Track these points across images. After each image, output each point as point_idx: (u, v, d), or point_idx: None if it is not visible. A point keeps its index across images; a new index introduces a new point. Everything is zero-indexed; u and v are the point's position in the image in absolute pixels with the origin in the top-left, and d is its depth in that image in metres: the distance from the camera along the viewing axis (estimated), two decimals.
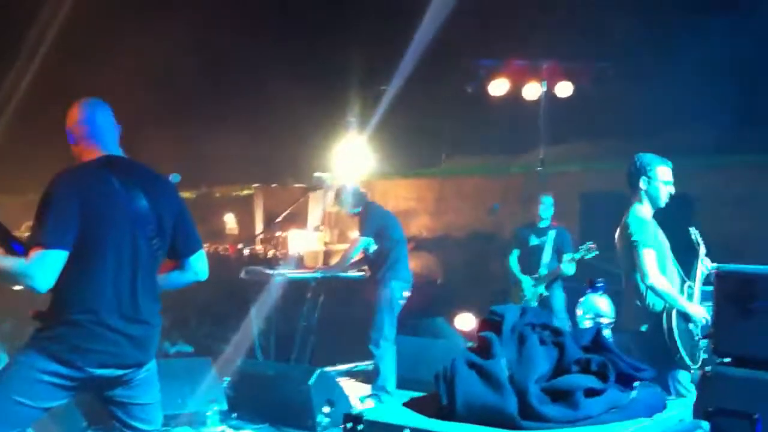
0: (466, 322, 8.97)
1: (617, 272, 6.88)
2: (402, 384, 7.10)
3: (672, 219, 5.27)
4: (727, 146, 9.55)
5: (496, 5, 9.58)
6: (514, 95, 10.06)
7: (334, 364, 7.91)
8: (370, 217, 7.28)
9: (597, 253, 7.54)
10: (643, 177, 4.95)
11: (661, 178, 4.96)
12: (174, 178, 5.20)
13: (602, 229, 10.03)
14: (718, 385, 3.62)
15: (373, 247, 7.22)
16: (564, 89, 9.76)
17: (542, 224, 8.12)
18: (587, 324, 3.44)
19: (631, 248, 4.85)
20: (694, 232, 5.21)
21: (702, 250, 5.15)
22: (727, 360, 3.69)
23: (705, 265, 5.09)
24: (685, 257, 5.15)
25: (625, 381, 2.29)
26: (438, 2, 8.60)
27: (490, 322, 2.32)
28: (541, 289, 7.91)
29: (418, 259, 12.06)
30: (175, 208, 3.56)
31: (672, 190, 5.00)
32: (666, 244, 5.04)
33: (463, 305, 9.16)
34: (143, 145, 5.14)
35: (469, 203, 12.51)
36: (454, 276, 10.89)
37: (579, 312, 3.51)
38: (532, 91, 9.92)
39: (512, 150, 11.81)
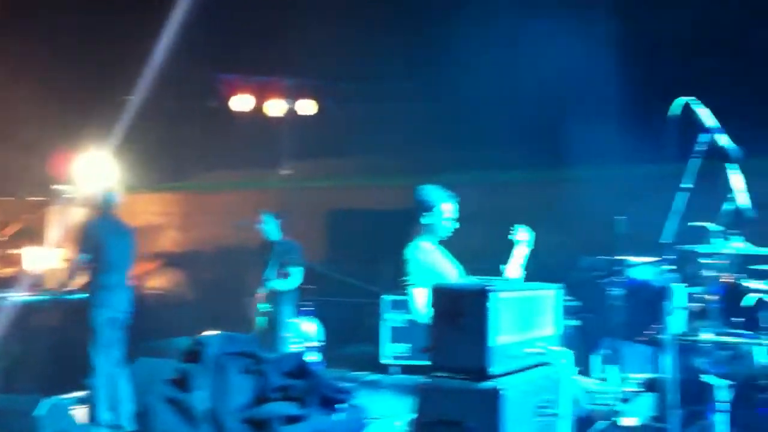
0: None
1: (360, 286, 7.06)
2: None
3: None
4: (458, 165, 10.09)
5: (240, 20, 9.52)
6: (259, 111, 10.08)
7: (69, 391, 7.44)
8: (86, 235, 6.74)
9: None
10: (426, 212, 4.96)
11: (445, 215, 5.02)
12: None
13: (348, 245, 10.41)
14: (433, 396, 3.81)
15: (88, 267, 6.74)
16: (308, 107, 9.94)
17: (270, 239, 8.15)
18: (294, 348, 3.47)
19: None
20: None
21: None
22: (442, 373, 3.89)
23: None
24: None
25: (329, 404, 2.34)
26: (179, 13, 8.38)
27: (192, 352, 2.27)
28: (266, 306, 7.83)
29: (167, 276, 11.72)
30: None
31: (456, 224, 5.04)
32: (450, 266, 5.10)
33: (213, 323, 9.01)
34: None
35: (218, 218, 12.33)
36: (203, 293, 10.68)
37: (286, 335, 3.54)
38: (277, 107, 10.00)
39: (260, 165, 11.80)
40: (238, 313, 8.63)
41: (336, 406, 2.32)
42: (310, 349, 3.28)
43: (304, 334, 3.33)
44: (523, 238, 5.35)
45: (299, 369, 2.27)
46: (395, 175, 10.14)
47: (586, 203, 9.41)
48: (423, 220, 4.96)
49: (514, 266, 5.31)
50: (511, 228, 5.44)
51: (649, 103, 4.91)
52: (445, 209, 4.97)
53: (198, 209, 12.74)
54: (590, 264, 6.88)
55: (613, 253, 5.28)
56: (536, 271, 5.77)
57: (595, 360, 6.18)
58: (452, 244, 5.49)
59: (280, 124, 10.28)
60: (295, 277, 7.70)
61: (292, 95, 9.91)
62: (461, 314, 3.82)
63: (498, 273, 5.42)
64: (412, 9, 8.74)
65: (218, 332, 2.20)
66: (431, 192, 4.99)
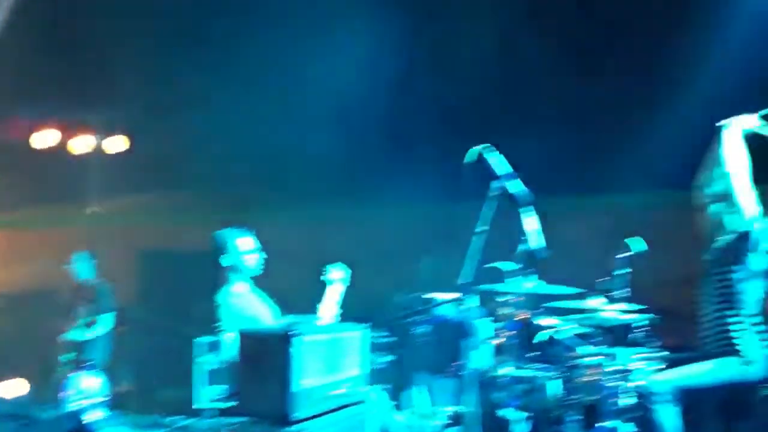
0: (12, 388, 8.27)
1: (173, 328, 6.85)
2: None
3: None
4: (274, 202, 10.08)
5: (49, 58, 9.10)
6: (65, 148, 9.69)
7: None
8: None
9: None
10: (223, 256, 5.00)
11: (242, 250, 5.02)
12: None
13: (159, 286, 10.09)
14: None
15: None
16: (118, 143, 9.66)
17: (81, 280, 7.80)
18: (77, 405, 3.31)
19: None
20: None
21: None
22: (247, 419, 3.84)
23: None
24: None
25: None
26: None
27: None
28: (70, 356, 7.50)
29: None
30: None
31: (259, 255, 5.06)
32: (265, 309, 5.13)
33: (12, 370, 8.45)
34: None
35: (23, 259, 11.63)
36: (3, 338, 10.01)
37: (68, 393, 3.37)
38: (84, 144, 9.64)
39: (66, 203, 11.28)
40: (41, 363, 8.15)
41: None
42: (92, 405, 3.12)
43: (85, 391, 3.18)
44: (337, 276, 5.43)
45: (77, 429, 2.15)
46: (210, 213, 9.99)
47: (401, 241, 9.68)
48: (225, 263, 5.00)
49: (328, 306, 5.36)
50: (323, 268, 5.51)
51: (451, 145, 5.12)
52: (240, 245, 5.03)
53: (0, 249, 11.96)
54: (403, 301, 7.05)
55: (421, 291, 5.43)
56: (353, 309, 5.87)
57: (408, 395, 6.32)
58: (268, 284, 5.47)
59: (88, 160, 9.88)
60: (103, 323, 7.38)
61: (101, 131, 9.59)
62: (265, 359, 3.80)
63: (315, 312, 5.46)
64: (216, 43, 8.70)
65: None
66: (223, 234, 5.04)
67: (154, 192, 10.66)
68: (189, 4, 8.45)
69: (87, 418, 2.66)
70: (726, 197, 4.60)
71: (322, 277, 5.48)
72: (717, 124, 4.66)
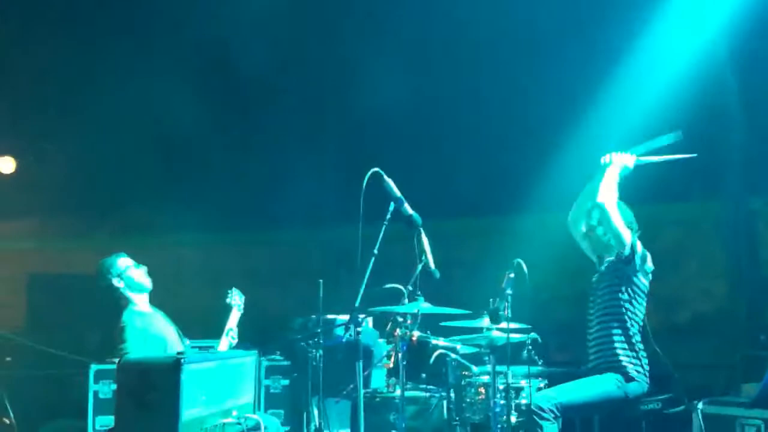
0: None
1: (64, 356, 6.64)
2: None
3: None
4: (171, 225, 9.93)
5: None
6: None
7: None
8: None
9: None
10: (114, 278, 5.03)
11: (126, 265, 5.06)
12: None
13: (49, 312, 9.76)
14: None
15: None
16: (6, 165, 9.37)
17: None
18: None
19: None
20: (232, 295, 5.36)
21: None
22: None
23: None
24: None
25: None
26: None
27: None
28: None
29: None
30: None
31: (143, 268, 5.12)
32: (169, 328, 5.14)
33: None
34: None
35: None
36: None
37: None
38: None
39: None
40: None
41: None
42: None
43: None
44: (236, 301, 5.42)
45: None
46: (102, 238, 9.77)
47: (299, 263, 9.67)
48: (118, 285, 5.04)
49: (231, 328, 5.34)
50: (227, 291, 5.49)
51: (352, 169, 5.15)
52: (121, 264, 5.07)
53: None
54: (299, 324, 7.04)
55: (316, 313, 5.45)
56: (248, 332, 5.83)
57: (304, 418, 6.29)
58: (163, 307, 5.41)
59: None
60: None
61: None
62: (150, 390, 3.72)
63: (217, 335, 5.41)
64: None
65: None
66: (105, 263, 5.09)
67: (43, 216, 10.35)
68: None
69: None
70: (603, 224, 4.88)
71: (227, 300, 5.45)
72: (602, 160, 4.96)
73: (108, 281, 5.04)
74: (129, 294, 5.06)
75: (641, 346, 4.87)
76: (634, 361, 4.80)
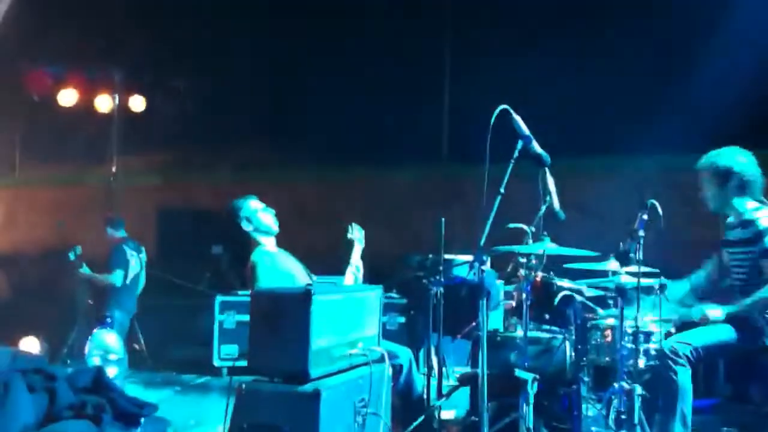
0: (33, 345, 8.39)
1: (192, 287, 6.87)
2: None
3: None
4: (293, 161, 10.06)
5: (68, 13, 9.12)
6: (87, 106, 9.70)
7: None
8: None
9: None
10: (242, 221, 5.15)
11: (255, 208, 5.18)
12: None
13: (180, 243, 10.16)
14: (252, 400, 3.80)
15: None
16: (137, 103, 9.66)
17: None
18: (96, 361, 3.37)
19: None
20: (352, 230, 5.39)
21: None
22: (260, 377, 3.88)
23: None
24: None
25: (127, 419, 2.28)
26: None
27: None
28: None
29: None
30: None
31: (271, 212, 5.23)
32: (297, 266, 5.25)
33: (31, 329, 8.58)
34: None
35: (44, 217, 11.76)
36: (25, 296, 10.14)
37: (87, 349, 3.43)
38: (105, 103, 9.66)
39: (88, 161, 11.35)
40: (63, 319, 8.27)
41: (138, 420, 2.26)
42: (110, 362, 3.18)
43: (104, 346, 3.23)
44: (356, 236, 5.46)
45: (98, 383, 2.20)
46: (227, 172, 10.02)
47: (414, 202, 9.69)
48: (245, 226, 5.15)
49: (354, 264, 5.40)
50: (347, 227, 5.53)
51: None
52: (251, 206, 5.17)
53: (23, 207, 12.09)
54: (417, 262, 7.07)
55: (436, 252, 5.44)
56: (368, 270, 5.90)
57: (421, 355, 6.35)
58: (292, 244, 5.55)
59: (108, 119, 9.91)
60: (113, 279, 7.56)
61: (121, 91, 9.60)
62: (282, 317, 3.82)
63: (339, 271, 5.50)
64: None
65: (1, 348, 2.10)
66: (235, 204, 5.20)
67: (172, 151, 10.70)
68: None
69: (106, 373, 2.72)
70: None
71: (348, 236, 5.49)
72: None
73: (237, 222, 5.16)
74: (257, 236, 5.20)
75: None
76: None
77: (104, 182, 10.61)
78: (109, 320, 3.43)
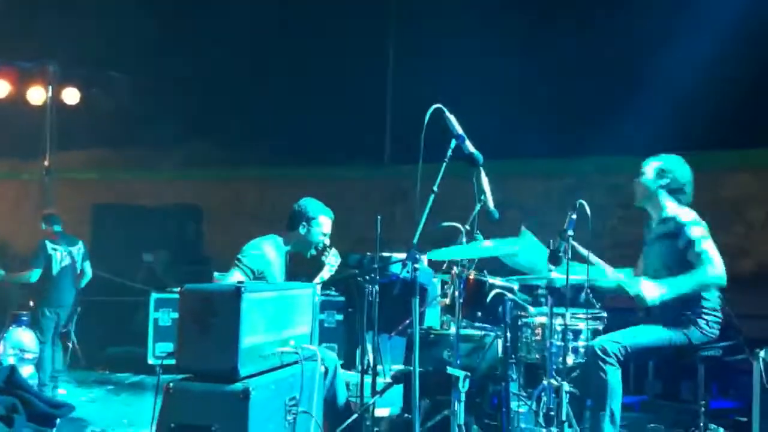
0: None
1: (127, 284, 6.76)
2: None
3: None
4: (236, 160, 10.06)
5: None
6: (19, 98, 9.47)
7: None
8: None
9: None
10: (303, 223, 5.05)
11: (322, 230, 5.09)
12: None
13: (115, 240, 10.00)
14: (180, 400, 3.75)
15: None
16: (71, 96, 9.46)
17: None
18: (11, 360, 3.29)
19: None
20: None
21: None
22: (188, 375, 3.83)
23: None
24: None
25: (43, 420, 2.23)
26: None
27: None
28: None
29: None
30: None
31: (327, 241, 5.12)
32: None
33: None
34: None
35: None
36: None
37: (1, 348, 3.34)
38: (37, 95, 9.44)
39: (20, 156, 11.09)
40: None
41: (53, 421, 2.21)
42: (25, 360, 3.10)
43: (19, 345, 3.13)
44: (331, 262, 5.37)
45: (10, 383, 2.14)
46: (165, 169, 9.90)
47: (358, 202, 9.70)
48: (300, 230, 5.07)
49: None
50: (326, 248, 5.42)
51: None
52: (322, 222, 5.10)
53: None
54: (356, 260, 7.09)
55: (373, 251, 5.45)
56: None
57: (357, 353, 6.36)
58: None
59: (41, 112, 9.68)
60: (28, 275, 7.33)
61: (55, 83, 9.38)
62: (212, 315, 3.78)
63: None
64: None
65: None
66: (312, 204, 5.12)
67: (109, 146, 10.53)
68: None
69: (20, 373, 2.64)
70: None
71: (324, 258, 5.42)
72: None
73: (298, 220, 5.07)
74: (288, 237, 5.09)
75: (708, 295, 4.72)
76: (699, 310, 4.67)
77: (37, 177, 10.36)
78: (24, 318, 3.34)
